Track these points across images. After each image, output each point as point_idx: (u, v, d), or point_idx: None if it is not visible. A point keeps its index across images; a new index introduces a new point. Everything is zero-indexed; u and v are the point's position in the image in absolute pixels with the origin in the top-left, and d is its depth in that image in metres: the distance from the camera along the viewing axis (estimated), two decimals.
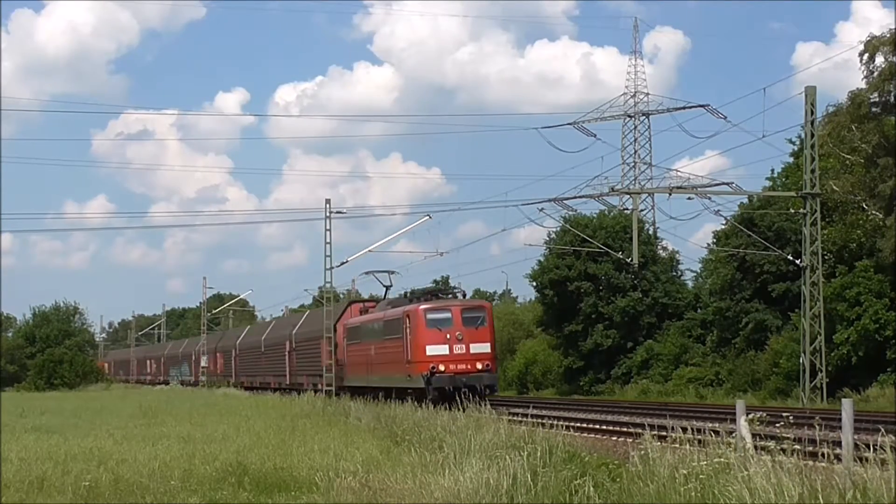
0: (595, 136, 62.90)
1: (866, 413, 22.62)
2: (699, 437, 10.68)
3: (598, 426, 21.19)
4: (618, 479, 10.08)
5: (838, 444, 10.07)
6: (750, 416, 11.08)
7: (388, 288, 39.78)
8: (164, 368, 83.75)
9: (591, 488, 9.55)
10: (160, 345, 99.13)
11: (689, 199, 34.37)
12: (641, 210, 51.59)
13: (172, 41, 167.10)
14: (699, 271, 50.57)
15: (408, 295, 34.68)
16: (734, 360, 38.91)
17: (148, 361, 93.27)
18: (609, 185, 45.09)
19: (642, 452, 10.32)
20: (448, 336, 29.66)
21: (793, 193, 34.24)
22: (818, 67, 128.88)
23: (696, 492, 8.44)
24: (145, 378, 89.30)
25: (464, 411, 18.37)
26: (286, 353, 48.27)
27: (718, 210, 35.89)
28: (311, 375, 42.57)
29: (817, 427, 9.75)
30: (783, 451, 8.91)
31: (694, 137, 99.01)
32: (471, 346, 29.68)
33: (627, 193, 48.89)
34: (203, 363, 68.31)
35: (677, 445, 10.48)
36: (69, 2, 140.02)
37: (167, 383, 74.94)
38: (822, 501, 7.68)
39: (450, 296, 33.89)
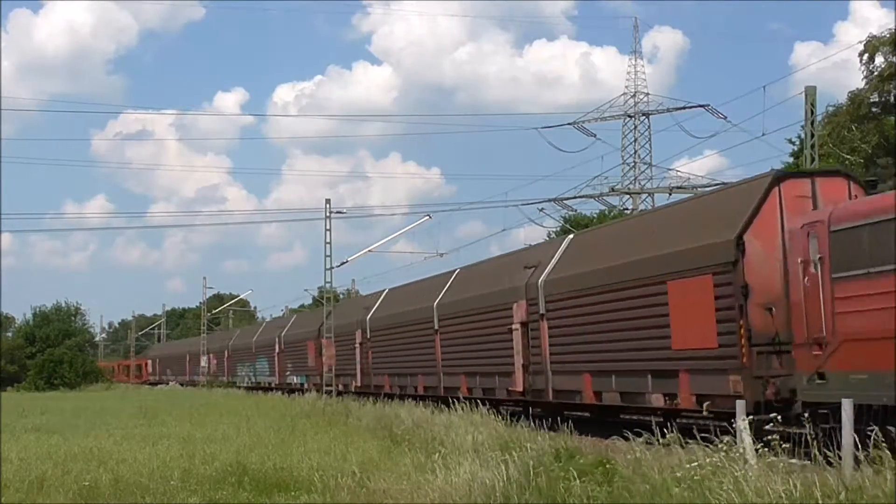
0: (595, 136, 62.96)
1: None
2: (697, 436, 10.68)
3: (594, 425, 21.12)
4: (613, 480, 10.08)
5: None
6: (749, 416, 11.09)
7: None
8: (229, 365, 61.97)
9: (587, 488, 9.56)
10: (222, 333, 77.01)
11: None
12: (641, 210, 51.58)
13: (171, 41, 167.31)
14: None
15: None
16: None
17: (206, 357, 68.82)
18: (609, 185, 45.34)
19: (638, 452, 10.33)
20: None
21: None
22: (816, 67, 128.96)
23: (692, 492, 8.44)
24: (198, 378, 67.08)
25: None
26: (509, 330, 23.17)
27: None
28: (651, 373, 17.79)
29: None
30: (782, 451, 8.91)
31: (694, 137, 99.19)
32: None
33: (627, 193, 49.01)
34: (203, 363, 67.88)
35: (674, 445, 10.49)
36: (68, 2, 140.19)
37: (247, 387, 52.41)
38: (820, 502, 7.69)
39: None
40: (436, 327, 28.22)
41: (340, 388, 36.37)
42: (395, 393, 29.58)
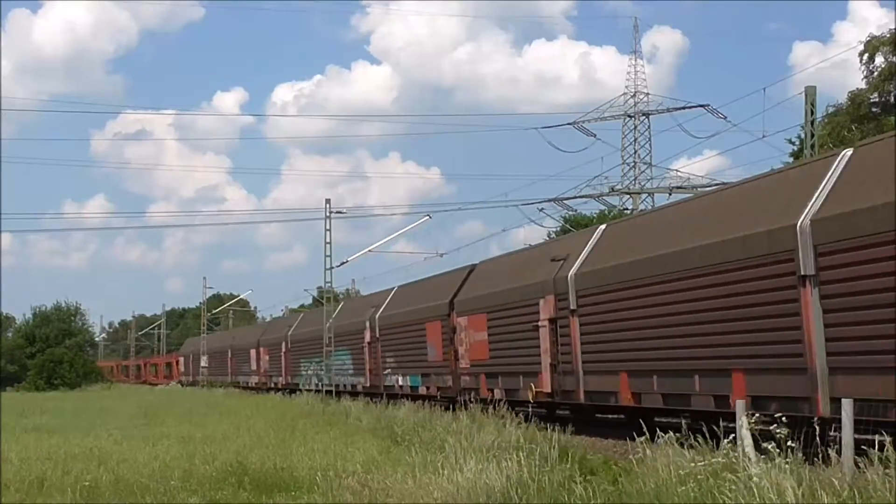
0: (595, 136, 63.00)
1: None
2: (699, 436, 10.68)
3: (598, 426, 21.15)
4: (617, 480, 10.08)
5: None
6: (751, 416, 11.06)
7: None
8: (288, 362, 45.80)
9: (590, 488, 9.55)
10: (279, 320, 60.37)
11: None
12: (641, 210, 51.63)
13: (170, 41, 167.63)
14: None
15: None
16: None
17: (256, 352, 52.09)
18: (609, 185, 45.41)
19: (642, 452, 10.33)
20: None
21: None
22: (816, 67, 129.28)
23: (695, 492, 8.44)
24: (247, 381, 52.87)
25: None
26: None
27: None
28: None
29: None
30: (783, 451, 8.90)
31: (694, 137, 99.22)
32: None
33: (627, 193, 49.07)
34: (203, 363, 67.54)
35: (677, 445, 10.48)
36: (67, 2, 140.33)
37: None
38: (821, 502, 7.68)
39: None
40: (804, 272, 12.85)
41: (496, 394, 22.48)
42: (666, 407, 16.58)
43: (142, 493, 11.19)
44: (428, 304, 28.34)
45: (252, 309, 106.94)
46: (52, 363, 65.28)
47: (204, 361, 66.34)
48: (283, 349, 46.47)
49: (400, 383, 29.81)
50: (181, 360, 79.13)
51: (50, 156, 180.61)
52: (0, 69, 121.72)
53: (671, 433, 10.76)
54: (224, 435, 18.28)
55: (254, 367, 52.38)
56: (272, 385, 46.69)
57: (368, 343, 33.24)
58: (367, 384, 32.81)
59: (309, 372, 41.06)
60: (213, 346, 66.97)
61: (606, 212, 48.06)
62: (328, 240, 39.77)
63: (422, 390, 27.61)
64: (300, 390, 37.86)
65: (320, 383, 37.64)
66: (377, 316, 32.84)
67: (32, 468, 13.13)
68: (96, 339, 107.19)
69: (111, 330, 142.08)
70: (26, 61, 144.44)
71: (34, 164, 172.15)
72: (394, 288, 32.98)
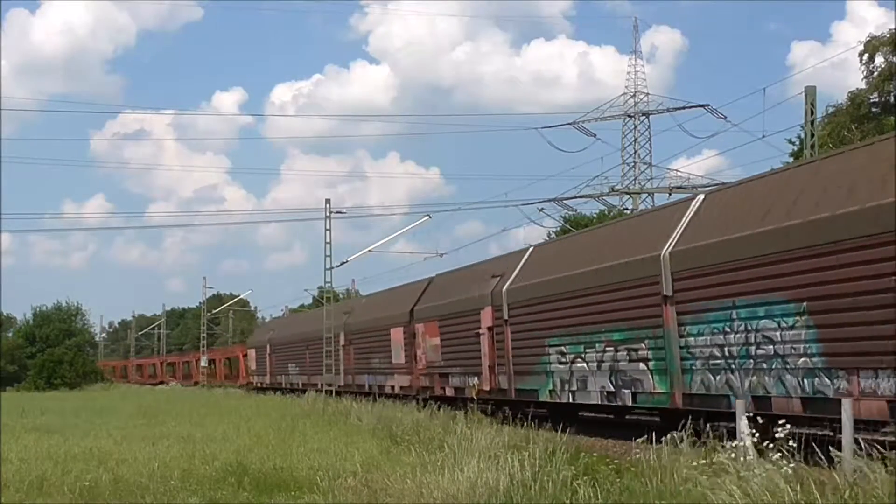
0: (595, 136, 63.02)
1: None
2: (700, 436, 10.68)
3: (598, 426, 21.14)
4: (617, 480, 10.08)
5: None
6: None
7: None
8: (497, 352, 21.87)
9: (591, 488, 9.55)
10: (450, 274, 28.54)
11: None
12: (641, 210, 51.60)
13: (169, 41, 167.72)
14: None
15: None
16: None
17: (405, 334, 28.29)
18: (609, 185, 45.38)
19: (642, 452, 10.33)
20: None
21: None
22: (815, 67, 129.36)
23: (696, 492, 8.44)
24: (382, 384, 30.47)
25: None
26: None
27: None
28: None
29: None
30: (783, 451, 8.90)
31: (694, 137, 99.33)
32: None
33: (627, 193, 49.06)
34: (203, 363, 67.36)
35: (677, 445, 10.48)
36: (66, 1, 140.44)
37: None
38: (821, 502, 7.68)
39: None
40: None
41: None
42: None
43: (141, 493, 11.18)
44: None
45: (252, 309, 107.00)
46: (53, 363, 65.32)
47: (204, 361, 65.64)
48: (487, 322, 22.76)
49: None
50: (251, 353, 55.25)
51: (50, 156, 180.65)
52: (0, 69, 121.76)
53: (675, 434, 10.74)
54: (224, 435, 18.26)
55: (399, 359, 29.38)
56: (446, 390, 25.18)
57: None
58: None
59: (579, 364, 18.45)
60: (307, 330, 43.13)
61: (606, 212, 48.02)
62: (328, 240, 39.75)
63: None
64: (528, 412, 18.97)
65: (629, 390, 16.82)
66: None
67: (32, 468, 13.12)
68: (96, 339, 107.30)
69: (111, 330, 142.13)
70: (26, 61, 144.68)
71: (34, 164, 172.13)
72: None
